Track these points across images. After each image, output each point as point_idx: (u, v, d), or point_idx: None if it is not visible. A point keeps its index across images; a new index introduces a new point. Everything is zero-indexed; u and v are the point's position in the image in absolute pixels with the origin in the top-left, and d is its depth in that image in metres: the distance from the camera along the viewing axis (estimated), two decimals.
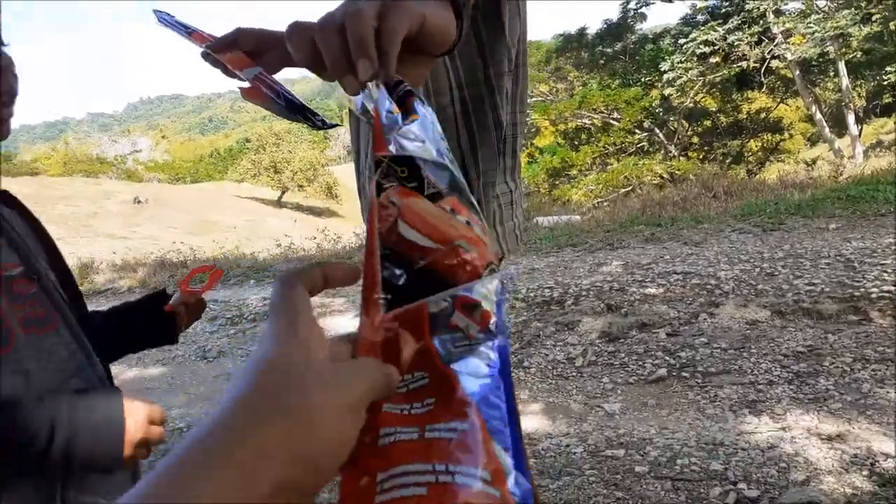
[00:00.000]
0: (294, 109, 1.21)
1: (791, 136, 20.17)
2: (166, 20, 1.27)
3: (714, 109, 18.56)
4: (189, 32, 1.25)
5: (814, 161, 13.37)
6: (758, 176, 9.60)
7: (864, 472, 2.08)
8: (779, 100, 18.97)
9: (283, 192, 29.92)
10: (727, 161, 17.22)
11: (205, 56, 1.27)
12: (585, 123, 17.64)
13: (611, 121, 16.92)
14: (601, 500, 2.10)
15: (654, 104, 16.52)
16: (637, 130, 17.25)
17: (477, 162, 1.18)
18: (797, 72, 16.15)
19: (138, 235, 16.25)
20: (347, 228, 10.41)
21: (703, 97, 18.01)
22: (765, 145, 19.17)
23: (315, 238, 8.93)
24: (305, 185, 30.32)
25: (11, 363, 0.80)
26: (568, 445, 2.57)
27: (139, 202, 24.71)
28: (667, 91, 15.80)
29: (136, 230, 17.90)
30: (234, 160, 36.84)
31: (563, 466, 2.36)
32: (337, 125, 1.20)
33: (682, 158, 16.02)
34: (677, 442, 2.47)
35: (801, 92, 16.86)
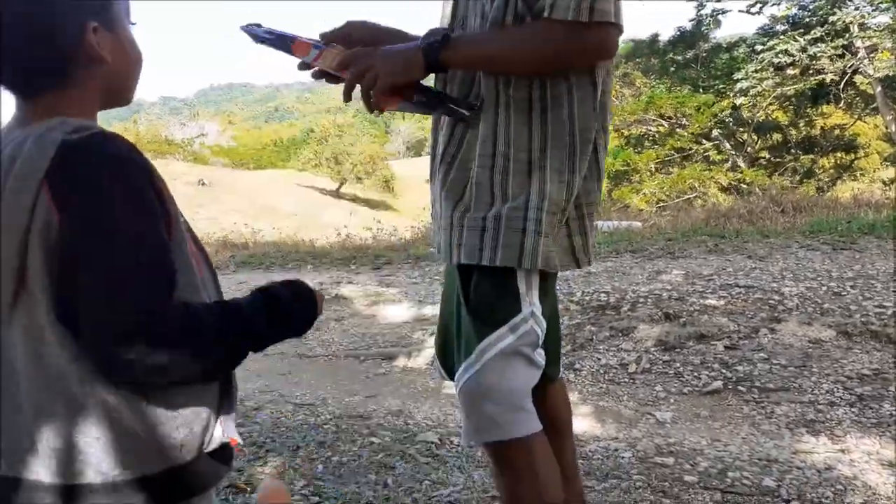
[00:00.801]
0: (433, 104, 1.38)
1: (867, 154, 19.31)
2: (260, 35, 1.34)
3: (786, 123, 17.93)
4: (291, 41, 1.33)
5: (892, 181, 12.78)
6: (829, 193, 9.25)
7: None
8: (856, 117, 18.19)
9: (342, 184, 30.40)
10: (797, 177, 16.62)
11: (302, 67, 1.36)
12: (651, 130, 17.30)
13: (678, 128, 16.54)
14: None
15: (724, 112, 16.04)
16: (704, 140, 16.82)
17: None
18: (879, 88, 15.46)
19: (201, 216, 16.78)
20: (402, 222, 10.54)
21: (775, 110, 17.42)
22: (838, 163, 18.41)
23: (371, 229, 9.06)
24: (364, 177, 30.74)
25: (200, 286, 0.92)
26: (616, 450, 2.55)
27: (203, 184, 25.49)
28: (739, 101, 15.34)
29: (200, 211, 18.49)
30: (297, 149, 37.59)
31: (611, 470, 2.35)
32: (476, 106, 1.25)
33: (750, 171, 15.53)
34: (729, 455, 2.42)
35: (881, 110, 16.13)
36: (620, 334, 3.84)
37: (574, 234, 1.31)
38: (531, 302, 1.27)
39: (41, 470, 0.84)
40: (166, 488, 0.88)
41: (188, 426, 0.88)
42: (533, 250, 1.22)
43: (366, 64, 1.19)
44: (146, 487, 0.86)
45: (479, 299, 1.27)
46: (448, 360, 1.51)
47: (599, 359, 3.59)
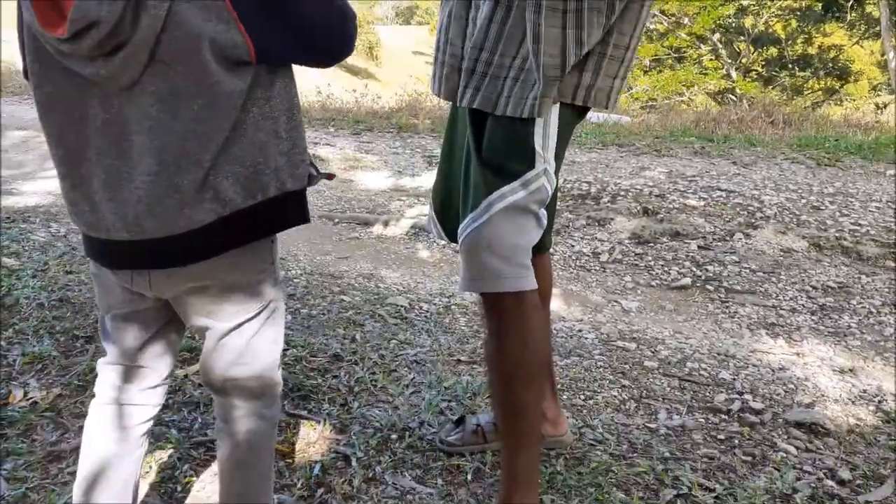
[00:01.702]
0: None
1: (856, 80, 19.04)
2: None
3: (784, 37, 17.42)
4: None
5: (885, 105, 12.70)
6: (821, 110, 9.17)
7: (871, 408, 2.10)
8: (855, 40, 17.74)
9: None
10: (786, 94, 16.41)
11: None
12: (650, 25, 16.69)
13: (677, 27, 15.97)
14: (607, 384, 2.15)
15: (727, 16, 15.48)
16: (701, 44, 16.33)
17: None
18: (885, 12, 14.98)
19: None
20: (385, 91, 10.16)
21: (776, 22, 16.86)
22: (827, 86, 18.16)
23: (355, 91, 8.73)
24: None
25: None
26: (580, 331, 2.60)
27: None
28: (745, 2, 14.74)
29: None
30: None
31: (574, 348, 2.40)
32: None
33: (743, 81, 15.23)
34: (689, 347, 2.49)
35: (883, 34, 15.71)
36: (597, 224, 3.84)
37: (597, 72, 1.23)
38: (546, 159, 1.22)
39: (169, 225, 0.97)
40: (289, 211, 1.07)
41: (305, 152, 1.07)
42: (545, 99, 1.17)
43: None
44: (268, 208, 1.02)
45: (493, 151, 1.22)
46: (447, 220, 1.47)
47: (573, 245, 3.60)
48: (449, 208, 1.48)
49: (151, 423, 1.23)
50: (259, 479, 1.22)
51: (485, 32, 1.20)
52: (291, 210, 1.08)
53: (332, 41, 1.04)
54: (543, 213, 1.26)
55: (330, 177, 1.14)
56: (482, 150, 1.23)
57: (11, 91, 7.81)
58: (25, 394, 1.86)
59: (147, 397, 1.20)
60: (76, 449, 1.57)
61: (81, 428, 1.24)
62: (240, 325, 1.10)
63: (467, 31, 1.25)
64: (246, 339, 1.11)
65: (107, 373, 1.20)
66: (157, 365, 1.19)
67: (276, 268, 1.13)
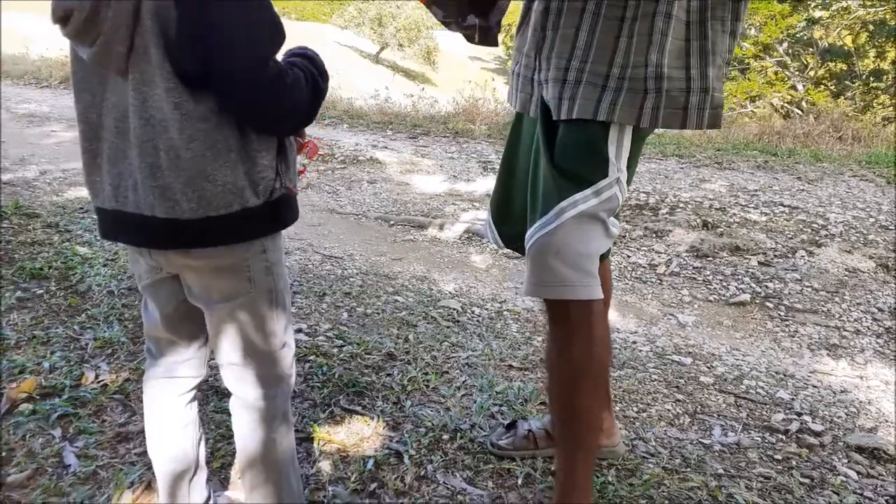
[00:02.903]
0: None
1: None
2: None
3: (855, 49, 16.76)
4: None
5: None
6: (892, 127, 8.79)
7: None
8: None
9: (382, 48, 29.41)
10: (855, 108, 15.77)
11: None
12: None
13: (745, 39, 15.56)
14: (660, 397, 2.12)
15: (798, 26, 15.00)
16: (767, 56, 15.86)
17: None
18: None
19: None
20: (442, 96, 10.22)
21: (846, 35, 16.24)
22: None
23: (412, 96, 8.81)
24: (406, 45, 29.64)
25: None
26: (635, 342, 2.57)
27: None
28: (816, 14, 14.27)
29: None
30: (341, 4, 36.16)
31: (627, 360, 2.38)
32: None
33: (815, 91, 14.71)
34: (747, 364, 2.43)
35: None
36: (654, 235, 3.79)
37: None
38: (619, 168, 1.23)
39: (142, 205, 1.05)
40: (257, 221, 1.10)
41: (269, 169, 1.08)
42: (634, 107, 1.19)
43: None
44: (224, 222, 1.06)
45: (567, 158, 1.23)
46: (504, 225, 1.50)
47: (629, 256, 3.56)
48: (506, 215, 1.50)
49: (194, 392, 1.31)
50: (266, 475, 1.26)
51: (572, 42, 1.21)
52: (257, 222, 1.11)
53: (255, 100, 1.03)
54: (614, 222, 1.26)
55: (290, 191, 1.14)
56: (554, 156, 1.24)
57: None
58: (97, 376, 1.95)
59: (184, 369, 1.28)
60: (143, 431, 1.65)
61: None
62: (230, 308, 1.16)
63: (544, 44, 1.26)
64: (237, 323, 1.17)
65: (147, 346, 1.30)
66: (186, 337, 1.27)
67: (267, 260, 1.16)
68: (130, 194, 1.06)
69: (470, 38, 1.40)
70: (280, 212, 1.14)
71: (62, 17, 0.97)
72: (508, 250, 1.58)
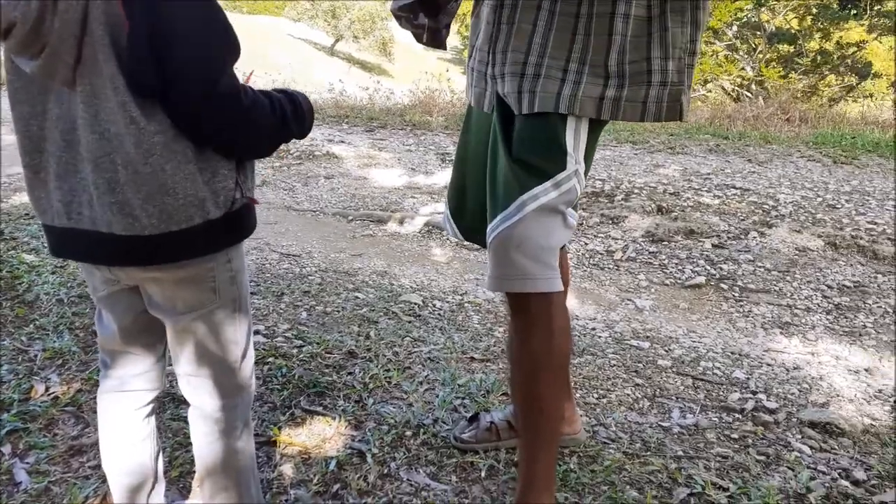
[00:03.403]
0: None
1: (875, 77, 18.74)
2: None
3: (802, 33, 17.18)
4: None
5: None
6: (838, 108, 9.06)
7: (886, 408, 2.09)
8: (875, 35, 17.47)
9: (337, 41, 29.10)
10: (801, 87, 16.17)
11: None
12: None
13: None
14: (620, 382, 2.15)
15: (746, 7, 15.30)
16: (716, 40, 16.15)
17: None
18: None
19: None
20: (398, 87, 10.16)
21: (793, 18, 16.64)
22: (844, 82, 17.88)
23: (368, 89, 8.75)
24: (361, 36, 29.38)
25: None
26: (594, 329, 2.60)
27: None
28: None
29: None
30: None
31: (587, 346, 2.40)
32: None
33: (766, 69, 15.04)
34: (703, 346, 2.48)
35: None
36: (610, 222, 3.84)
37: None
38: (577, 160, 1.24)
39: (98, 221, 1.01)
40: (218, 233, 1.08)
41: (229, 179, 1.06)
42: (578, 99, 1.20)
43: None
44: (186, 236, 1.03)
45: (525, 151, 1.23)
46: (462, 219, 1.50)
47: (586, 243, 3.60)
48: (463, 208, 1.50)
49: (151, 406, 1.28)
50: (226, 483, 1.25)
51: (528, 37, 1.21)
52: (219, 234, 1.09)
53: (205, 115, 1.00)
54: (572, 213, 1.27)
55: (252, 201, 1.13)
56: (512, 150, 1.24)
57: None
58: (47, 388, 1.89)
59: (140, 382, 1.25)
60: (97, 443, 1.61)
61: None
62: (194, 318, 1.13)
63: (498, 38, 1.26)
64: (201, 333, 1.15)
65: (102, 358, 1.26)
66: (144, 349, 1.23)
67: (231, 269, 1.14)
68: (86, 210, 1.01)
69: (419, 38, 1.39)
70: (241, 222, 1.12)
71: (4, 31, 0.92)
72: (463, 241, 1.58)
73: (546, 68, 1.20)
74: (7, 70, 1.02)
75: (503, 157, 1.25)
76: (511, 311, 1.33)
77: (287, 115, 1.11)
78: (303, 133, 1.16)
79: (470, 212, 1.47)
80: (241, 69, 1.07)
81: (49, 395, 1.86)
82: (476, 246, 3.52)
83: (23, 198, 3.82)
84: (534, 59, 1.21)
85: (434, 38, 1.34)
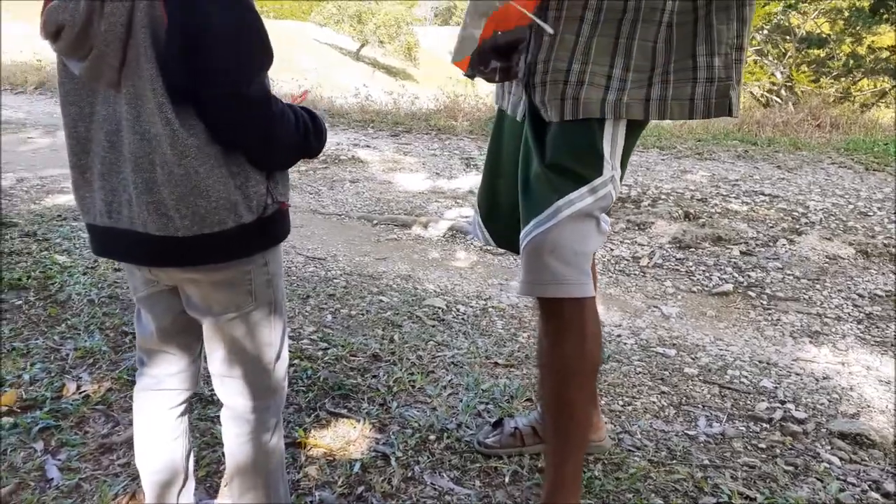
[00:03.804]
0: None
1: None
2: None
3: (832, 37, 16.88)
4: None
5: None
6: (870, 114, 8.90)
7: None
8: None
9: (363, 45, 29.30)
10: (833, 94, 15.89)
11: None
12: None
13: None
14: (645, 389, 2.13)
15: (776, 12, 15.10)
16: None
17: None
18: None
19: None
20: (423, 92, 10.20)
21: (823, 23, 16.37)
22: (877, 86, 17.52)
23: (393, 94, 8.80)
24: (386, 41, 29.55)
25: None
26: (619, 336, 2.58)
27: None
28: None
29: None
30: (319, 2, 35.96)
31: (612, 353, 2.39)
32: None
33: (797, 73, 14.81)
34: (731, 354, 2.45)
35: None
36: (637, 228, 3.81)
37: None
38: (614, 165, 1.24)
39: (136, 221, 1.03)
40: (251, 237, 1.09)
41: (260, 184, 1.07)
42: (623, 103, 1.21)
43: None
44: (219, 239, 1.05)
45: (562, 155, 1.23)
46: (494, 224, 1.51)
47: (612, 249, 3.57)
48: (495, 214, 1.51)
49: (184, 406, 1.30)
50: (254, 482, 1.26)
51: (571, 47, 1.21)
52: (252, 238, 1.10)
53: (238, 118, 1.02)
54: (605, 218, 1.28)
55: (284, 205, 1.13)
56: (547, 155, 1.24)
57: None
58: (78, 387, 1.93)
59: (176, 382, 1.27)
60: (127, 441, 1.64)
61: (132, 421, 1.30)
62: (230, 319, 1.15)
63: (540, 48, 1.25)
64: (236, 335, 1.16)
65: (139, 357, 1.29)
66: (181, 349, 1.25)
67: (268, 272, 1.16)
68: (125, 210, 1.04)
69: (491, 80, 1.38)
70: (274, 227, 1.13)
71: (53, 33, 0.95)
72: (495, 247, 1.59)
73: (590, 75, 1.20)
74: (59, 72, 1.05)
75: (536, 163, 1.25)
76: (543, 315, 1.33)
77: (309, 131, 1.13)
78: (318, 151, 1.18)
79: (503, 217, 1.48)
80: (300, 85, 1.10)
81: (80, 393, 1.90)
82: (500, 251, 3.53)
83: (55, 200, 3.91)
84: (577, 67, 1.21)
85: (507, 75, 1.33)
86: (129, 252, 1.10)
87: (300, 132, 1.11)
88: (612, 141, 1.23)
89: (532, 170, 1.27)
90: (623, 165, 1.30)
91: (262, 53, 1.02)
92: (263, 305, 1.17)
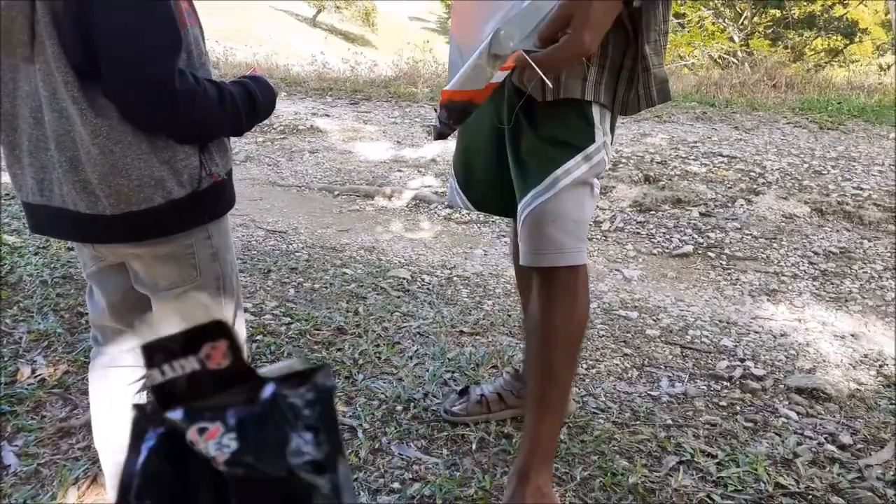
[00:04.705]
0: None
1: (861, 41, 18.70)
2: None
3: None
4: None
5: (889, 67, 12.52)
6: (824, 73, 9.04)
7: (872, 372, 2.12)
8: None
9: (319, 11, 28.60)
10: (789, 54, 16.11)
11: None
12: None
13: None
14: (608, 353, 2.16)
15: None
16: (702, 7, 16.02)
17: None
18: None
19: None
20: (381, 58, 10.01)
21: None
22: (831, 46, 17.84)
23: (349, 61, 8.62)
24: (343, 6, 28.89)
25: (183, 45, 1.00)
26: None
27: None
28: None
29: None
30: None
31: None
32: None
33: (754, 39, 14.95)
34: (691, 315, 2.50)
35: None
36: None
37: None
38: (605, 130, 1.26)
39: (66, 199, 1.00)
40: (186, 212, 1.05)
41: (191, 156, 1.03)
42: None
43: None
44: (149, 216, 1.01)
45: (553, 126, 1.24)
46: (470, 190, 1.51)
47: None
48: (470, 180, 1.51)
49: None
50: None
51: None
52: (186, 213, 1.06)
53: (143, 114, 0.97)
54: (597, 183, 1.29)
55: (217, 178, 1.08)
56: (538, 128, 1.24)
57: None
58: (33, 371, 1.87)
59: (131, 358, 1.24)
60: (86, 424, 1.60)
61: (90, 404, 1.26)
62: (177, 295, 1.12)
63: None
64: (184, 310, 1.14)
65: (93, 334, 1.26)
66: (133, 324, 1.22)
67: (212, 245, 1.13)
68: (56, 188, 1.01)
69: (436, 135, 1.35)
70: (213, 201, 1.09)
71: None
72: (474, 210, 1.60)
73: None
74: None
75: (529, 136, 1.25)
76: (538, 281, 1.34)
77: (239, 109, 1.07)
78: (249, 128, 1.14)
79: (479, 182, 1.49)
80: (255, 53, 1.05)
81: (35, 377, 1.84)
82: (464, 219, 3.51)
83: (3, 178, 3.75)
84: None
85: (441, 136, 1.32)
86: (64, 229, 1.07)
87: (225, 110, 1.05)
88: (600, 108, 1.24)
89: (523, 143, 1.27)
90: (612, 129, 1.31)
91: (164, 35, 0.95)
92: (210, 281, 1.14)
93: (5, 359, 1.92)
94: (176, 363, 0.31)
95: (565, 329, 1.32)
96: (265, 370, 0.31)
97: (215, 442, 0.29)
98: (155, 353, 0.32)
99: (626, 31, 1.18)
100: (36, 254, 2.63)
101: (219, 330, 0.30)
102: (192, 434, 0.29)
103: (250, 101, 1.11)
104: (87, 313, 2.17)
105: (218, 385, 0.30)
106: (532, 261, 1.29)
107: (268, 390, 0.30)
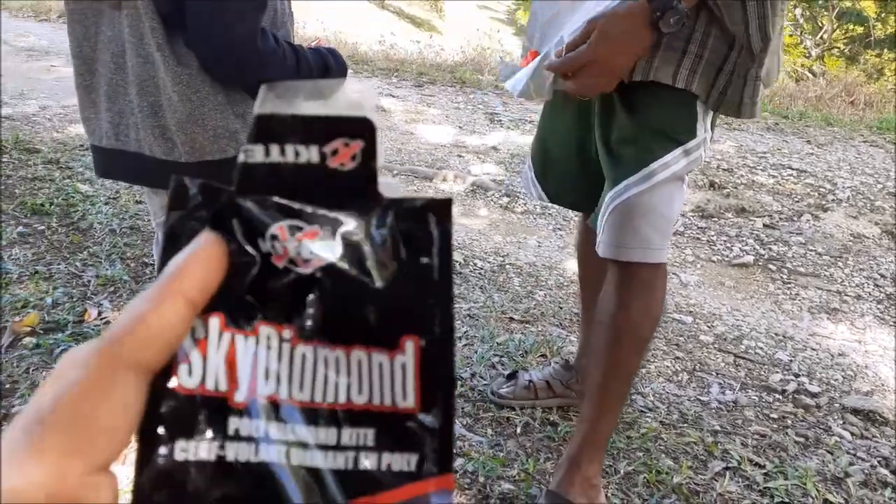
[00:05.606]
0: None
1: None
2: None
3: (873, 17, 16.35)
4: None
5: None
6: None
7: None
8: None
9: None
10: (869, 73, 15.47)
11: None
12: None
13: None
14: (660, 354, 2.13)
15: None
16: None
17: None
18: None
19: None
20: (448, 44, 9.99)
21: (866, 1, 15.83)
22: None
23: (419, 42, 8.64)
24: None
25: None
26: None
27: None
28: None
29: None
30: None
31: None
32: None
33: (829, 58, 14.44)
34: (747, 325, 2.44)
35: None
36: None
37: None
38: (706, 127, 1.22)
39: (143, 144, 1.03)
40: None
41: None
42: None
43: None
44: (222, 167, 1.02)
45: (655, 116, 1.20)
46: (547, 181, 1.49)
47: None
48: (549, 171, 1.49)
49: None
50: None
51: None
52: None
53: (225, 69, 1.00)
54: (687, 179, 1.27)
55: None
56: (638, 116, 1.21)
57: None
58: (100, 313, 1.95)
59: None
60: None
61: None
62: None
63: None
64: None
65: None
66: None
67: None
68: (132, 133, 1.03)
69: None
70: None
71: None
72: (548, 202, 1.57)
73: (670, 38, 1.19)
74: None
75: (624, 122, 1.22)
76: (617, 275, 1.31)
77: (312, 71, 1.10)
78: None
79: (557, 174, 1.47)
80: (324, 28, 1.08)
81: (101, 319, 1.93)
82: (521, 209, 3.50)
83: (78, 129, 3.90)
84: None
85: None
86: (135, 174, 1.10)
87: (300, 76, 1.07)
88: (705, 103, 1.20)
89: (616, 129, 1.24)
90: (713, 126, 1.27)
91: (252, 6, 0.97)
92: None
93: (74, 299, 2.01)
94: (290, 146, 0.25)
95: (639, 326, 1.30)
96: (385, 184, 0.27)
97: (310, 242, 0.25)
98: (269, 125, 0.25)
99: (722, 24, 1.13)
100: (106, 203, 2.73)
101: (361, 128, 0.26)
102: (278, 229, 0.25)
103: (325, 71, 1.13)
104: (152, 263, 2.25)
105: (330, 188, 0.26)
106: (615, 254, 1.25)
107: (386, 209, 0.26)
